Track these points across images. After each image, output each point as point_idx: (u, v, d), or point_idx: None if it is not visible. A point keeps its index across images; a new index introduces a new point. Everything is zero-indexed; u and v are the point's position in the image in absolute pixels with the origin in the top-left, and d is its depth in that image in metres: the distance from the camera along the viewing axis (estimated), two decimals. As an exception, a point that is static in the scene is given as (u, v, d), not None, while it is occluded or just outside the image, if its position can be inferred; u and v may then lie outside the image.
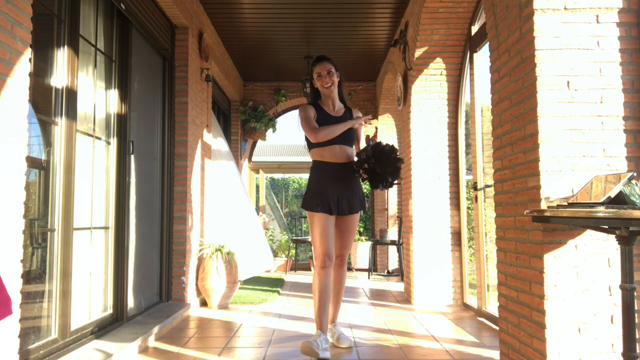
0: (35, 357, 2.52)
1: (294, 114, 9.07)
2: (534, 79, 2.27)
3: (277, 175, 11.89)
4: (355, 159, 3.30)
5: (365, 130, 7.03)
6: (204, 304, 4.95)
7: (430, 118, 4.91)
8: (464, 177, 4.88)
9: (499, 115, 2.67)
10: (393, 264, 8.08)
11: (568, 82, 2.25)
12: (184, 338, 3.56)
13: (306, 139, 3.34)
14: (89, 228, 3.25)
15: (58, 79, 2.87)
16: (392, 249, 7.93)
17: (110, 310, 3.48)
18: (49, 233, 2.78)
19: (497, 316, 2.79)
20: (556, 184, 2.22)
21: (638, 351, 1.74)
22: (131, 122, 3.78)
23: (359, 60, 6.94)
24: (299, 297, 5.50)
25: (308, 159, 3.71)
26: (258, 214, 9.48)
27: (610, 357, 2.14)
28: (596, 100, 2.24)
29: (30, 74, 2.19)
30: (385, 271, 7.85)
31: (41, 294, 2.71)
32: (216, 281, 4.69)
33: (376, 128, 7.77)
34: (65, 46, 2.90)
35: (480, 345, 3.32)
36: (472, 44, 4.53)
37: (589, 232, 2.19)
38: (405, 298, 5.29)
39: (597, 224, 1.81)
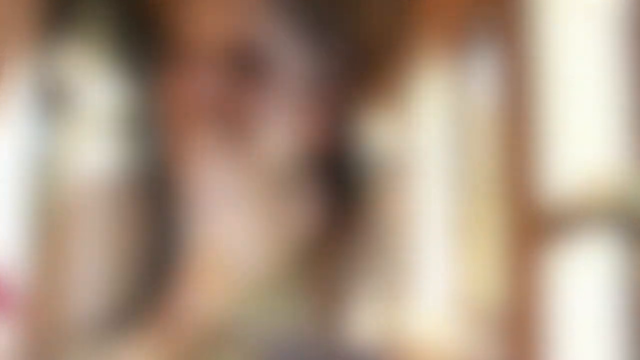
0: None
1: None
2: (534, 77, 2.27)
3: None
4: None
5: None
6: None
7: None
8: (465, 176, 4.89)
9: (499, 114, 2.68)
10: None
11: (569, 81, 2.25)
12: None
13: None
14: (91, 226, 3.27)
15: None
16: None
17: (112, 308, 3.50)
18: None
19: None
20: (560, 182, 2.22)
21: None
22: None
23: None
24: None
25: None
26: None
27: (611, 357, 2.14)
28: (597, 99, 2.24)
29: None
30: (387, 270, 7.88)
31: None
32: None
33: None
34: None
35: (482, 344, 3.33)
36: (472, 42, 4.54)
37: (590, 232, 2.19)
38: (406, 297, 5.31)
39: (602, 222, 1.81)
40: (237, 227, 0.63)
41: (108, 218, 0.67)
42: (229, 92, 0.63)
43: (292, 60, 0.65)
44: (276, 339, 0.58)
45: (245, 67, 0.62)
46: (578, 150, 2.25)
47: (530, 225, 2.31)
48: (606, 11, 2.24)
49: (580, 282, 2.12)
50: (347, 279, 0.63)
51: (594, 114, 2.21)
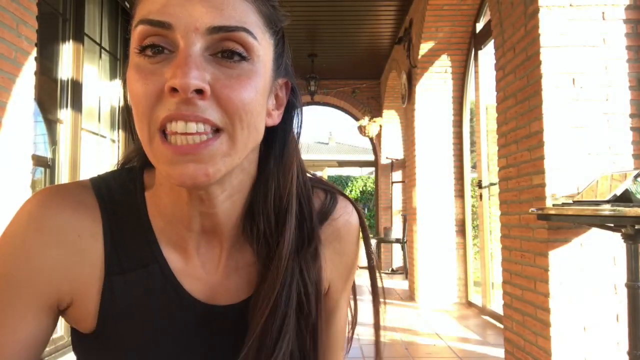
0: (42, 355, 2.54)
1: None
2: (539, 76, 2.26)
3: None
4: None
5: (369, 130, 7.02)
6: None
7: (434, 116, 4.90)
8: (468, 175, 4.87)
9: (504, 113, 2.66)
10: (397, 262, 8.08)
11: (573, 79, 2.24)
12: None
13: None
14: (94, 226, 3.27)
15: (63, 77, 2.88)
16: (396, 247, 7.93)
17: (115, 308, 3.50)
18: (54, 231, 2.80)
19: (502, 314, 2.78)
20: (561, 182, 2.21)
21: (644, 350, 1.73)
22: (136, 121, 3.80)
23: (363, 58, 6.93)
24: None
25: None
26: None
27: (615, 355, 2.13)
28: (602, 97, 2.23)
29: (35, 73, 2.20)
30: (390, 269, 7.85)
31: (47, 292, 2.73)
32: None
33: (380, 126, 7.77)
34: (71, 45, 2.91)
35: (485, 343, 3.31)
36: (477, 41, 4.51)
37: (595, 230, 2.18)
38: (409, 296, 5.29)
39: (602, 222, 1.80)
40: None
41: None
42: None
43: None
44: None
45: None
46: (584, 148, 2.22)
47: (534, 222, 2.27)
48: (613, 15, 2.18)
49: (586, 278, 2.09)
50: None
51: (600, 110, 2.18)
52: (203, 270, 0.55)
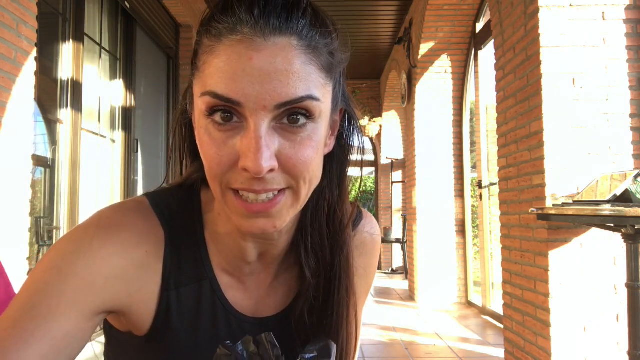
0: None
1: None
2: (539, 76, 2.26)
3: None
4: None
5: (369, 130, 7.01)
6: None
7: (434, 116, 4.90)
8: (468, 175, 4.86)
9: (504, 113, 2.66)
10: (397, 262, 8.08)
11: (573, 79, 2.24)
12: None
13: None
14: (94, 226, 3.27)
15: (63, 77, 2.88)
16: (396, 247, 7.93)
17: (115, 308, 3.50)
18: (54, 231, 2.80)
19: (502, 314, 2.78)
20: (561, 182, 2.21)
21: (644, 350, 1.73)
22: (136, 120, 3.79)
23: (363, 58, 6.93)
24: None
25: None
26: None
27: (615, 355, 2.13)
28: (602, 97, 2.23)
29: (35, 73, 2.20)
30: (390, 269, 7.85)
31: (47, 292, 2.73)
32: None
33: (380, 126, 7.76)
34: (71, 45, 2.91)
35: (485, 343, 3.31)
36: (477, 41, 4.51)
37: (595, 230, 2.18)
38: (409, 296, 5.29)
39: (602, 222, 1.80)
40: None
41: None
42: None
43: None
44: None
45: None
46: (584, 148, 2.23)
47: (534, 222, 2.27)
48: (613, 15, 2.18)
49: (586, 278, 2.09)
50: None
51: (600, 110, 2.18)
52: (250, 288, 0.60)
